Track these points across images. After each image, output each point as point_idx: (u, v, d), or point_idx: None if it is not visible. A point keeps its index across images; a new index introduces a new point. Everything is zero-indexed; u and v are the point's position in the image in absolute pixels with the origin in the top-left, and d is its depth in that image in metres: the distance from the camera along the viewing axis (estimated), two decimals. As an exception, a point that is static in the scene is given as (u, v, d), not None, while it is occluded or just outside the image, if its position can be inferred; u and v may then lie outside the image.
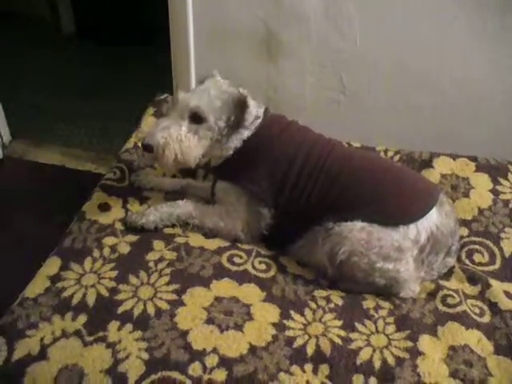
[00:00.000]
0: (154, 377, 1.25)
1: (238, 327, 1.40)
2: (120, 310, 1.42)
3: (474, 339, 1.45)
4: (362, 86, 2.57)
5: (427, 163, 2.09)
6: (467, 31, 2.32)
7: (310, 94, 2.65)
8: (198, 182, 2.01)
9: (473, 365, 1.37)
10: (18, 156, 3.11)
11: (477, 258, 1.78)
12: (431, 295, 1.61)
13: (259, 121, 1.73)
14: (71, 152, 3.15)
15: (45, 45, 4.61)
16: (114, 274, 1.54)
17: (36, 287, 1.47)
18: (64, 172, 2.98)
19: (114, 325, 1.37)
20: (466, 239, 1.83)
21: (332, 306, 1.53)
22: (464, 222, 1.88)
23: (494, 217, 1.88)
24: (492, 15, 2.25)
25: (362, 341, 1.41)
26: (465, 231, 1.85)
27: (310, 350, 1.36)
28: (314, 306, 1.53)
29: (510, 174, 2.02)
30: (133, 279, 1.52)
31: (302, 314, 1.49)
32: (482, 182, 1.99)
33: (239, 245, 1.73)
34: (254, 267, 1.64)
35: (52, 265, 1.55)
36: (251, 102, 1.66)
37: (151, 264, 1.58)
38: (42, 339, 1.32)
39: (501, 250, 1.79)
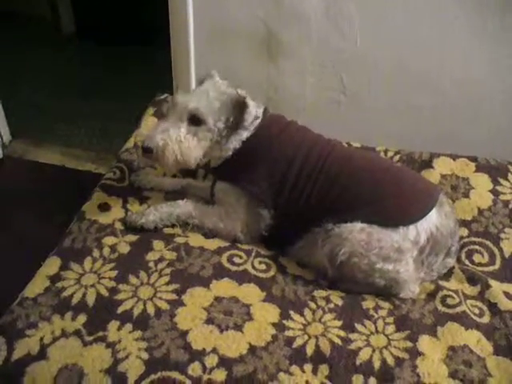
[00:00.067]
0: (153, 377, 1.25)
1: (238, 327, 1.40)
2: (120, 309, 1.42)
3: (474, 339, 1.44)
4: (363, 86, 2.57)
5: (427, 163, 2.09)
6: (467, 31, 2.32)
7: (311, 94, 2.65)
8: (198, 182, 2.01)
9: (472, 365, 1.37)
10: (17, 156, 3.11)
11: (476, 258, 1.78)
12: (431, 296, 1.61)
13: (258, 121, 1.73)
14: (71, 152, 3.15)
15: (45, 44, 4.61)
16: (113, 273, 1.54)
17: (36, 287, 1.47)
18: (64, 172, 2.98)
19: (113, 324, 1.37)
20: (465, 240, 1.83)
21: (332, 306, 1.53)
22: (464, 223, 1.87)
23: (493, 217, 1.88)
24: (492, 15, 2.25)
25: (361, 341, 1.41)
26: (465, 232, 1.85)
27: (309, 350, 1.36)
28: (313, 306, 1.53)
29: (510, 174, 2.02)
30: (133, 279, 1.52)
31: (302, 314, 1.49)
32: (481, 183, 1.99)
33: (239, 245, 1.73)
34: (253, 267, 1.64)
35: (52, 264, 1.55)
36: (251, 103, 1.66)
37: (151, 264, 1.58)
38: (41, 339, 1.32)
39: (500, 250, 1.79)
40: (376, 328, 1.47)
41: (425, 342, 1.42)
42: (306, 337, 1.41)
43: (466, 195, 1.96)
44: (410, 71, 2.47)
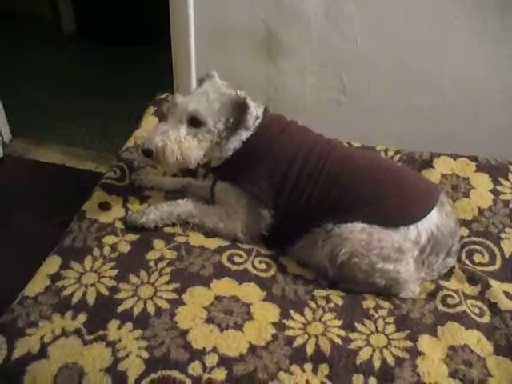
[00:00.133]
0: (153, 376, 1.25)
1: (238, 326, 1.40)
2: (120, 308, 1.42)
3: (474, 339, 1.45)
4: (363, 86, 2.57)
5: (427, 163, 2.09)
6: (467, 31, 2.32)
7: (311, 94, 2.65)
8: (198, 181, 2.01)
9: (472, 365, 1.37)
10: (18, 155, 3.11)
11: (477, 258, 1.78)
12: (431, 295, 1.61)
13: (258, 121, 1.73)
14: (71, 151, 3.15)
15: (45, 44, 4.61)
16: (114, 272, 1.54)
17: (36, 286, 1.47)
18: (64, 171, 2.98)
19: (113, 324, 1.38)
20: (466, 239, 1.83)
21: (332, 305, 1.53)
22: (464, 222, 1.87)
23: (494, 217, 1.88)
24: (492, 15, 2.25)
25: (361, 341, 1.41)
26: (465, 231, 1.85)
27: (309, 350, 1.37)
28: (313, 305, 1.53)
29: (510, 174, 2.02)
30: (133, 278, 1.52)
31: (302, 314, 1.49)
32: (482, 182, 1.99)
33: (239, 244, 1.73)
34: (254, 266, 1.64)
35: (52, 263, 1.55)
36: (251, 103, 1.66)
37: (151, 263, 1.58)
38: (42, 338, 1.32)
39: (501, 250, 1.79)
40: (376, 328, 1.47)
41: (425, 342, 1.42)
42: (306, 336, 1.41)
43: (467, 195, 1.96)
44: (410, 71, 2.47)
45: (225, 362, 1.30)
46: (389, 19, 2.37)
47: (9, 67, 3.98)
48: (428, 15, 2.32)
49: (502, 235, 1.83)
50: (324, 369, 1.32)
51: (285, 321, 1.45)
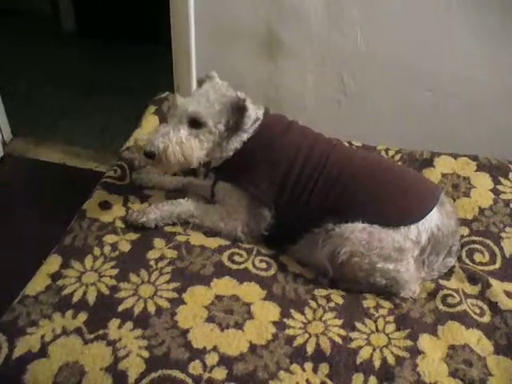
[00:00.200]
0: (154, 375, 1.25)
1: (239, 326, 1.40)
2: (120, 308, 1.42)
3: (474, 339, 1.45)
4: (363, 85, 2.57)
5: (428, 162, 2.10)
6: (468, 31, 2.32)
7: (311, 93, 2.65)
8: (199, 181, 2.00)
9: (472, 364, 1.37)
10: (18, 154, 3.11)
11: (477, 257, 1.78)
12: (431, 295, 1.61)
13: (259, 122, 1.73)
14: (72, 150, 3.15)
15: (46, 42, 4.61)
16: (114, 272, 1.54)
17: (37, 285, 1.48)
18: (65, 170, 2.98)
19: (114, 323, 1.38)
20: (466, 239, 1.83)
21: (332, 305, 1.53)
22: (465, 222, 1.87)
23: (494, 216, 1.88)
24: (492, 15, 2.25)
25: (362, 340, 1.41)
26: (465, 231, 1.85)
27: (310, 349, 1.37)
28: (314, 304, 1.53)
29: (510, 173, 2.03)
30: (133, 277, 1.53)
31: (303, 313, 1.49)
32: (482, 182, 2.00)
33: (240, 243, 1.73)
34: (254, 266, 1.64)
35: (53, 263, 1.56)
36: (250, 106, 1.65)
37: (152, 262, 1.59)
38: (42, 337, 1.33)
39: (501, 249, 1.79)
40: (376, 327, 1.47)
41: (425, 341, 1.42)
42: (306, 335, 1.41)
43: (467, 194, 1.96)
44: (411, 70, 2.47)
45: (225, 361, 1.30)
46: (389, 19, 2.37)
47: (9, 66, 3.97)
48: (428, 15, 2.32)
49: (503, 234, 1.83)
50: (324, 368, 1.32)
51: (285, 320, 1.45)
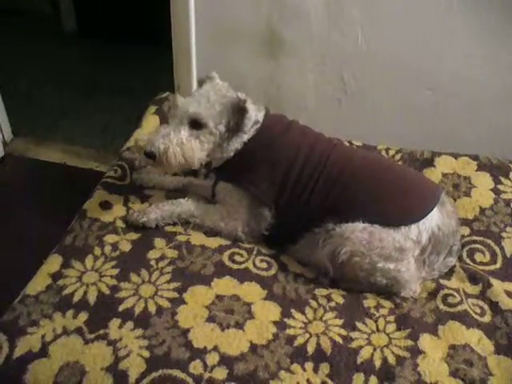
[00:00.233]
0: (154, 375, 1.26)
1: (239, 325, 1.40)
2: (121, 307, 1.42)
3: (475, 338, 1.45)
4: (364, 84, 2.57)
5: (429, 162, 2.09)
6: (468, 30, 2.32)
7: (312, 92, 2.65)
8: (199, 181, 2.00)
9: (473, 364, 1.37)
10: (19, 154, 3.11)
11: (478, 257, 1.78)
12: (432, 294, 1.61)
13: (259, 123, 1.73)
14: (72, 150, 3.15)
15: (46, 42, 4.60)
16: (115, 271, 1.54)
17: (37, 285, 1.48)
18: (65, 170, 2.98)
19: (114, 322, 1.38)
20: (467, 238, 1.83)
21: (333, 304, 1.53)
22: (465, 221, 1.87)
23: (495, 216, 1.88)
24: (493, 14, 2.25)
25: (362, 340, 1.41)
26: (466, 230, 1.85)
27: (310, 349, 1.37)
28: (314, 304, 1.53)
29: (511, 173, 2.02)
30: (134, 277, 1.53)
31: (303, 313, 1.49)
32: (483, 181, 1.99)
33: (240, 243, 1.73)
34: (255, 265, 1.64)
35: (53, 262, 1.56)
36: (250, 107, 1.65)
37: (152, 262, 1.59)
38: (43, 336, 1.33)
39: (502, 249, 1.79)
40: (377, 327, 1.47)
41: (426, 341, 1.42)
42: (307, 335, 1.41)
43: (468, 194, 1.95)
44: (411, 70, 2.47)
45: (226, 360, 1.30)
46: (390, 18, 2.37)
47: (10, 66, 3.97)
48: (429, 15, 2.32)
49: (503, 234, 1.83)
50: (325, 368, 1.32)
51: (286, 320, 1.45)
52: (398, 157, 2.14)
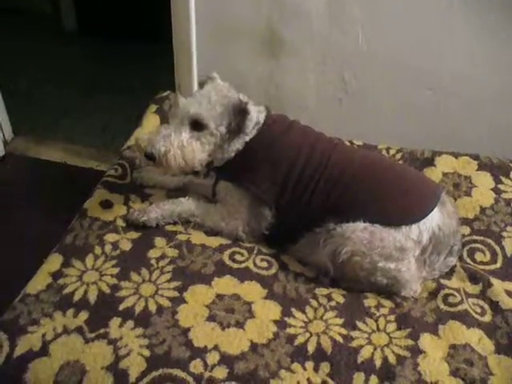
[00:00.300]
0: (155, 374, 1.26)
1: (240, 324, 1.40)
2: (121, 306, 1.42)
3: (475, 338, 1.45)
4: (364, 84, 2.57)
5: (429, 161, 2.09)
6: (468, 30, 2.31)
7: (312, 91, 2.65)
8: (200, 180, 2.00)
9: (473, 364, 1.37)
10: (19, 153, 3.11)
11: (478, 256, 1.78)
12: (432, 294, 1.61)
13: (260, 124, 1.72)
14: (73, 149, 3.15)
15: (47, 41, 4.60)
16: (115, 270, 1.54)
17: (38, 284, 1.48)
18: (66, 169, 2.98)
19: (115, 321, 1.38)
20: (467, 238, 1.83)
21: (333, 303, 1.53)
22: (466, 221, 1.87)
23: (495, 216, 1.88)
24: (493, 14, 2.24)
25: (363, 339, 1.41)
26: (466, 230, 1.85)
27: (311, 348, 1.37)
28: (315, 303, 1.53)
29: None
30: (134, 276, 1.53)
31: (304, 312, 1.49)
32: (484, 181, 1.99)
33: (241, 242, 1.74)
34: (255, 265, 1.64)
35: (54, 261, 1.56)
36: (252, 108, 1.64)
37: (153, 261, 1.59)
38: (43, 335, 1.33)
39: (502, 248, 1.79)
40: (377, 326, 1.47)
41: (426, 341, 1.42)
42: (307, 334, 1.41)
43: (468, 193, 1.95)
44: (412, 69, 2.47)
45: (226, 360, 1.30)
46: (390, 18, 2.36)
47: (10, 65, 3.97)
48: (429, 14, 2.32)
49: (504, 234, 1.82)
50: (325, 367, 1.32)
51: (286, 319, 1.45)
52: (398, 156, 2.14)
